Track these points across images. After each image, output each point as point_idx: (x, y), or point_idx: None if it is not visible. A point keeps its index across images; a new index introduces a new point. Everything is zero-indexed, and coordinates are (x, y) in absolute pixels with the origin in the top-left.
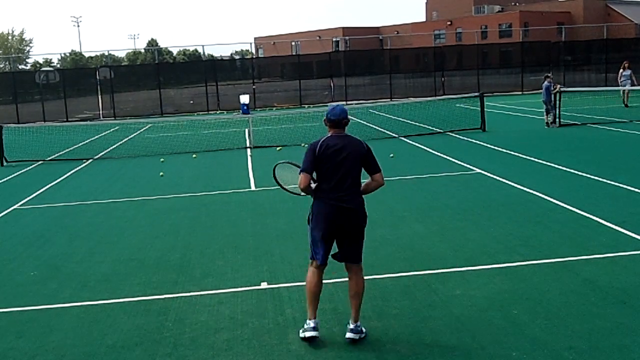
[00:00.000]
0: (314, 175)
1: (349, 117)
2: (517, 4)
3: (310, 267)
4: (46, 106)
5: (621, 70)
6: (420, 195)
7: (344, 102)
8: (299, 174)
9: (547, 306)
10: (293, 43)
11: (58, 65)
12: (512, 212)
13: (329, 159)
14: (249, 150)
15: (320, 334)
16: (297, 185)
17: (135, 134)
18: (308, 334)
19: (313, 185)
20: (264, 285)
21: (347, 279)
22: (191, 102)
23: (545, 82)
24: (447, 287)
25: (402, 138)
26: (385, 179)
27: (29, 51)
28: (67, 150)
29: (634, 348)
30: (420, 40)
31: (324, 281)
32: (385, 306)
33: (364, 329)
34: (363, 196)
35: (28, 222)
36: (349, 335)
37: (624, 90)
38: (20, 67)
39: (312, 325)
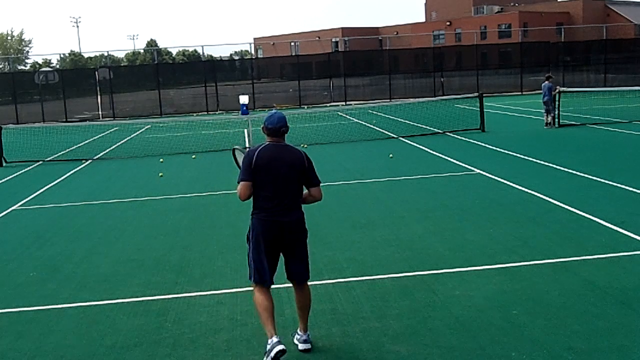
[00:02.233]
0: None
1: (288, 125)
2: (517, 4)
3: (255, 288)
4: (45, 107)
5: None
6: (420, 196)
7: (344, 103)
8: (238, 183)
9: (546, 306)
10: (292, 43)
11: (57, 66)
12: (511, 212)
13: (265, 170)
14: None
15: (319, 334)
16: None
17: (134, 135)
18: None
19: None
20: None
21: (346, 279)
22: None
23: (547, 83)
24: (446, 287)
25: (402, 138)
26: (384, 179)
27: (28, 52)
28: (67, 150)
29: (634, 348)
30: (419, 41)
31: (325, 281)
32: (385, 306)
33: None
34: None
35: (27, 222)
36: (301, 346)
37: None
38: (19, 67)
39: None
